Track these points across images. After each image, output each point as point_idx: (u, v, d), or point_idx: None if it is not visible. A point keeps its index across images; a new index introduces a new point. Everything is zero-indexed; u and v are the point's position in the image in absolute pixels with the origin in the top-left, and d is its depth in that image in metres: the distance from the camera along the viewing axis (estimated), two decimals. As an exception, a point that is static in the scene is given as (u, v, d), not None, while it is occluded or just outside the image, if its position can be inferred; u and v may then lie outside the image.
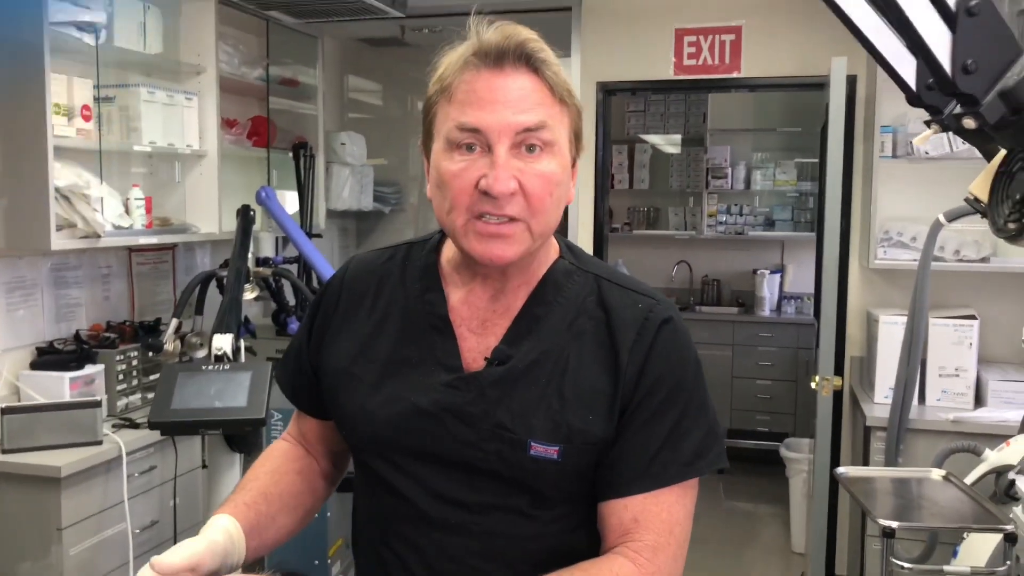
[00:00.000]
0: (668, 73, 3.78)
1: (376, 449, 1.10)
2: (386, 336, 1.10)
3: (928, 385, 3.24)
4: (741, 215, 6.08)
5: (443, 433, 1.04)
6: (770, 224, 6.06)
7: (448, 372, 1.06)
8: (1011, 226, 0.97)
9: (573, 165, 1.06)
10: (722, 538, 4.50)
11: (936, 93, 0.95)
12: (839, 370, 3.59)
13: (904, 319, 3.02)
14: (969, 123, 0.91)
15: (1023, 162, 0.96)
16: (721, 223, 6.11)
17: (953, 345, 3.23)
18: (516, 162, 0.98)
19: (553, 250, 1.12)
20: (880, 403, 3.22)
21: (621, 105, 6.05)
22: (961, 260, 3.31)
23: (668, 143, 6.28)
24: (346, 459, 1.26)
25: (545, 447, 1.01)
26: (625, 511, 1.02)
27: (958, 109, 0.91)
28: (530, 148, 0.98)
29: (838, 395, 3.64)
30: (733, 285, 6.14)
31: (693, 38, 3.70)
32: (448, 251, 1.13)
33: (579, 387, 1.03)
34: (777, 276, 5.92)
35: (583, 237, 4.07)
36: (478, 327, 1.08)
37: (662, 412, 1.03)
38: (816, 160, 4.91)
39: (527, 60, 0.99)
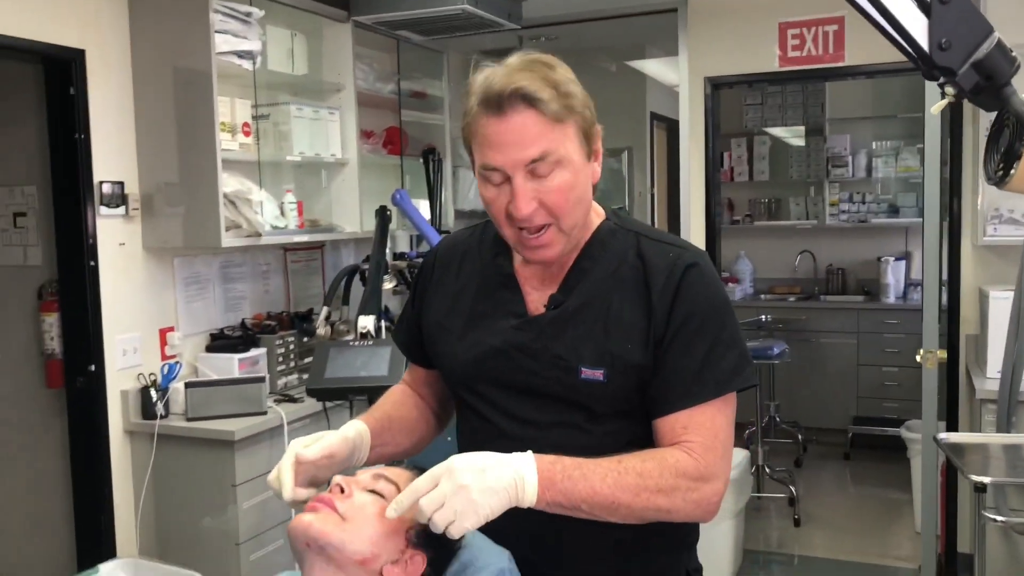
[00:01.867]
0: (773, 65, 3.92)
1: (464, 382, 1.38)
2: (468, 294, 1.39)
3: (1043, 359, 3.25)
4: (864, 203, 6.07)
5: (513, 365, 1.31)
6: (894, 211, 6.02)
7: (516, 318, 1.33)
8: (999, 174, 1.16)
9: (591, 155, 1.26)
10: (850, 522, 4.56)
11: (947, 54, 1.11)
12: (952, 348, 3.62)
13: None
14: (950, 91, 1.11)
15: (1008, 118, 1.15)
16: (844, 212, 6.11)
17: (1069, 319, 3.23)
18: (533, 184, 1.21)
19: (597, 216, 1.36)
20: (992, 377, 3.25)
21: (738, 98, 6.16)
22: (1076, 234, 3.31)
23: (787, 134, 6.33)
24: (450, 403, 1.53)
25: (592, 371, 1.26)
26: (675, 422, 1.24)
27: (941, 79, 1.12)
28: (542, 169, 1.20)
29: (953, 373, 3.68)
30: (858, 273, 6.13)
31: (796, 30, 3.83)
32: None
33: (619, 322, 1.26)
34: (902, 263, 5.87)
35: (695, 229, 4.21)
36: (538, 284, 1.34)
37: (696, 341, 1.24)
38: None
39: (523, 99, 1.17)
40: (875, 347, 5.69)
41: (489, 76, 1.21)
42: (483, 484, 1.10)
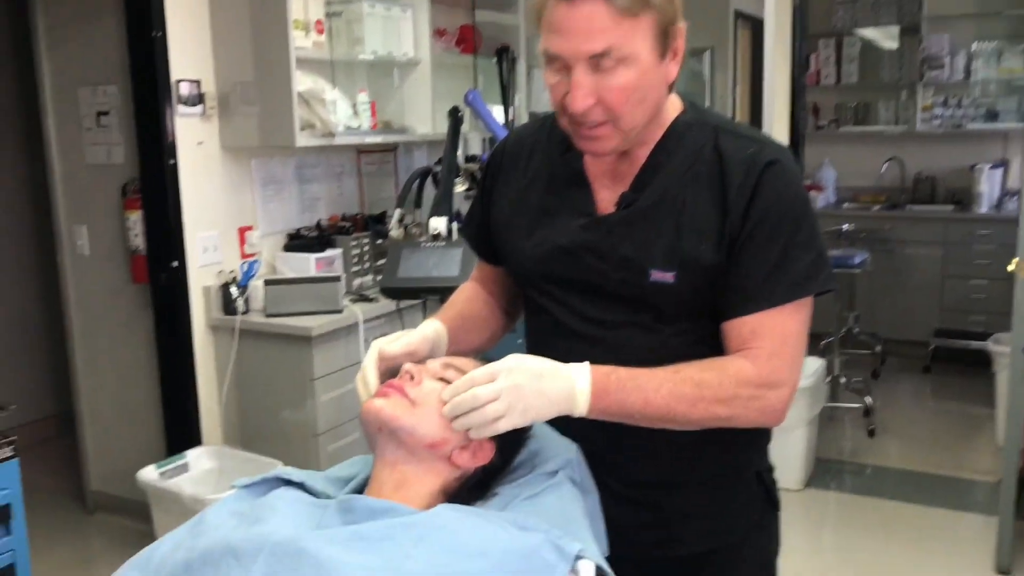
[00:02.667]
0: (869, -45, 3.68)
1: (531, 281, 1.36)
2: (536, 191, 1.34)
3: None
4: (959, 107, 5.75)
5: (580, 266, 1.27)
6: (992, 116, 5.68)
7: (584, 217, 1.28)
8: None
9: (667, 54, 1.18)
10: (927, 434, 4.48)
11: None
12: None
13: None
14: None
15: None
16: (936, 117, 5.80)
17: None
18: (593, 78, 1.14)
19: (674, 108, 1.27)
20: (1089, 288, 3.10)
21: (828, -4, 5.85)
22: None
23: (879, 34, 6.00)
24: (519, 300, 1.50)
25: (662, 273, 1.21)
26: (744, 326, 1.20)
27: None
28: (605, 64, 1.12)
29: (1048, 284, 3.51)
30: (948, 182, 5.85)
31: (896, -84, 3.57)
32: None
33: (693, 222, 1.20)
34: (998, 171, 5.58)
35: (778, 134, 4.05)
36: (610, 181, 1.28)
37: (771, 241, 1.18)
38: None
39: None
40: (963, 258, 5.47)
41: None
42: (537, 387, 1.11)
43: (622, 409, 1.16)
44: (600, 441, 1.29)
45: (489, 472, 1.22)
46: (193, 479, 2.91)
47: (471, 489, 1.21)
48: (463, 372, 1.23)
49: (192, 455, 2.98)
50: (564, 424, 1.24)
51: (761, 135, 1.28)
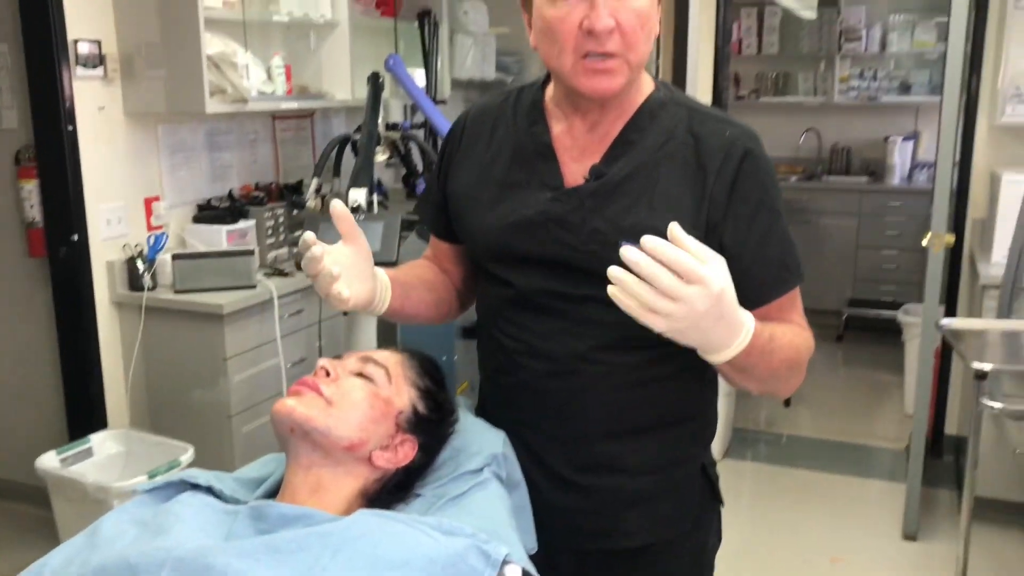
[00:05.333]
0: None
1: (493, 255, 1.30)
2: (500, 164, 1.29)
3: (1051, 245, 3.18)
4: (875, 79, 5.86)
5: (547, 238, 1.22)
6: (905, 89, 5.81)
7: (552, 190, 1.24)
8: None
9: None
10: (839, 403, 4.60)
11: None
12: (959, 232, 3.55)
13: (1027, 177, 2.97)
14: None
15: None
16: (853, 88, 5.90)
17: (1081, 204, 3.14)
18: (611, 1, 1.11)
19: (648, 85, 1.25)
20: (997, 263, 3.19)
21: (750, -34, 5.86)
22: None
23: (800, 5, 6.04)
24: (474, 283, 1.44)
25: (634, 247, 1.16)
26: (769, 308, 1.20)
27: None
28: None
29: (956, 257, 3.62)
30: (863, 153, 5.98)
31: None
32: (551, 90, 1.29)
33: (666, 199, 1.18)
34: (910, 143, 5.72)
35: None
36: (578, 155, 1.24)
37: (768, 227, 1.19)
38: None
39: None
40: (876, 229, 5.62)
41: None
42: (711, 323, 1.01)
43: (747, 368, 1.12)
44: (541, 413, 1.26)
45: (411, 472, 1.17)
46: (98, 465, 2.76)
47: (392, 491, 1.15)
48: (383, 367, 1.17)
49: (96, 439, 2.83)
50: (505, 397, 1.28)
51: (731, 118, 1.26)
